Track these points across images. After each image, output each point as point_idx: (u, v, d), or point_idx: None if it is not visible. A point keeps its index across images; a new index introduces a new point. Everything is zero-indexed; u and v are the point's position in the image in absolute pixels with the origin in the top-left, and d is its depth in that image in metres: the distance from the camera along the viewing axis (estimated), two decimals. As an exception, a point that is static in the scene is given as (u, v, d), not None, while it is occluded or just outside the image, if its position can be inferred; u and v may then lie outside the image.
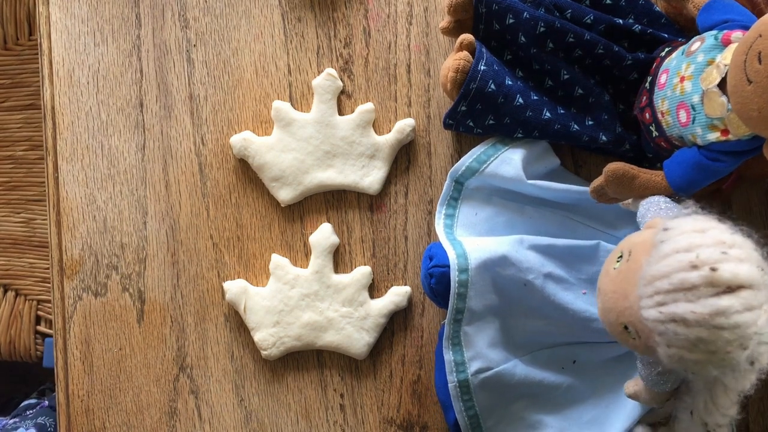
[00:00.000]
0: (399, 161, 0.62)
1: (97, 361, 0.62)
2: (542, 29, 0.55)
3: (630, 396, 0.52)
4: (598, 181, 0.52)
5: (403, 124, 0.61)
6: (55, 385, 0.63)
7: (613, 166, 0.50)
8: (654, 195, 0.51)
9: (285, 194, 0.61)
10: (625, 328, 0.44)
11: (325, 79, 0.61)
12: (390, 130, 0.61)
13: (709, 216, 0.43)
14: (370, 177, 0.61)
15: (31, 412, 0.85)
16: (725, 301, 0.38)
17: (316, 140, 0.60)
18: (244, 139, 0.61)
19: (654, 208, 0.49)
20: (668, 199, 0.50)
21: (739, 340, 0.38)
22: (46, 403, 0.88)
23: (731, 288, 0.38)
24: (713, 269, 0.38)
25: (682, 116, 0.49)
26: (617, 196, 0.52)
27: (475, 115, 0.57)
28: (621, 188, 0.51)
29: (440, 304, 0.56)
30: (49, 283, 0.64)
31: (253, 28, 0.63)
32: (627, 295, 0.43)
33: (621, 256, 0.45)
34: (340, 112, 0.62)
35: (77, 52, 0.63)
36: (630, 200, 0.52)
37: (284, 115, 0.61)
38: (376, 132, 0.61)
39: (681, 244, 0.40)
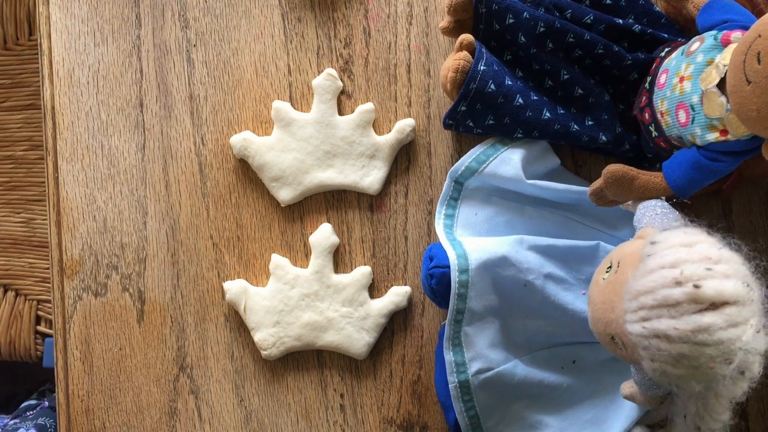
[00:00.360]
0: (399, 161, 0.62)
1: (97, 361, 0.62)
2: (542, 29, 0.55)
3: (626, 397, 0.52)
4: (597, 184, 0.52)
5: (403, 124, 0.61)
6: (55, 385, 0.63)
7: (612, 168, 0.50)
8: (654, 196, 0.51)
9: (285, 194, 0.61)
10: (612, 338, 0.44)
11: (325, 79, 0.61)
12: (390, 130, 0.61)
13: (698, 228, 0.43)
14: (370, 177, 0.61)
15: (31, 413, 0.86)
16: (708, 318, 0.38)
17: (316, 140, 0.60)
18: (244, 139, 0.61)
19: (650, 213, 0.49)
20: (665, 204, 0.50)
21: (723, 355, 0.38)
22: (47, 403, 0.88)
23: (715, 305, 0.38)
24: (697, 286, 0.38)
25: (682, 116, 0.49)
26: (617, 199, 0.52)
27: (474, 115, 0.57)
28: (620, 190, 0.51)
29: (441, 304, 0.56)
30: (49, 283, 0.64)
31: (253, 28, 0.63)
32: (614, 308, 0.43)
33: (610, 267, 0.45)
34: (340, 112, 0.62)
35: (77, 52, 0.63)
36: (630, 202, 0.52)
37: (284, 115, 0.61)
38: (375, 132, 0.61)
39: (666, 259, 0.40)
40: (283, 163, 0.60)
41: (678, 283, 0.39)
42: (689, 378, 0.40)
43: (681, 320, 0.38)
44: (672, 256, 0.40)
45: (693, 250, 0.40)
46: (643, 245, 0.43)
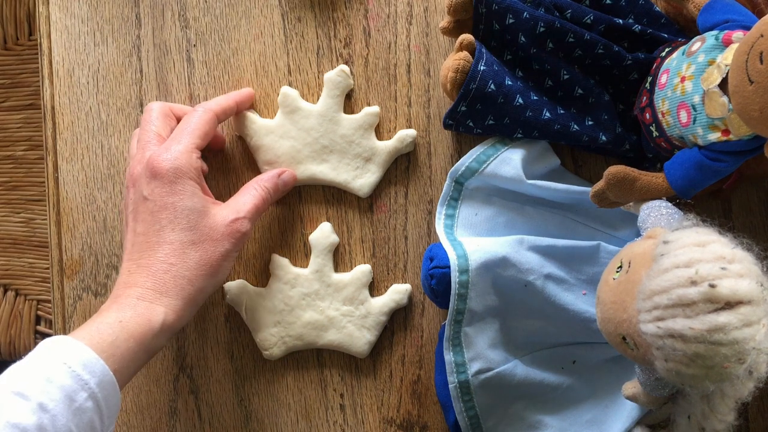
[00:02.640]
0: (399, 161, 0.62)
1: (97, 361, 0.62)
2: (542, 29, 0.55)
3: (628, 398, 0.52)
4: (598, 186, 0.52)
5: (405, 134, 0.60)
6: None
7: (614, 170, 0.50)
8: (656, 197, 0.51)
9: None
10: (624, 339, 0.44)
11: (337, 75, 0.60)
12: (390, 131, 0.61)
13: (710, 228, 0.43)
14: (362, 179, 0.61)
15: None
16: (723, 318, 0.38)
17: (317, 132, 0.60)
18: (247, 117, 0.61)
19: (655, 214, 0.49)
20: (669, 204, 0.50)
21: (737, 355, 0.38)
22: None
23: (730, 304, 0.38)
24: (712, 285, 0.38)
25: (683, 116, 0.49)
26: (618, 200, 0.52)
27: (474, 116, 0.57)
28: (622, 191, 0.51)
29: (441, 305, 0.56)
30: (49, 283, 0.64)
31: (253, 28, 0.63)
32: (626, 307, 0.43)
33: (621, 267, 0.45)
34: (340, 112, 0.62)
35: (77, 52, 0.63)
36: (632, 203, 0.52)
37: (291, 102, 0.60)
38: (375, 133, 0.61)
39: (681, 258, 0.40)
40: (280, 149, 0.60)
41: (693, 283, 0.39)
42: (702, 378, 0.40)
43: (696, 320, 0.38)
44: (686, 256, 0.40)
45: (707, 249, 0.40)
46: (655, 245, 0.43)
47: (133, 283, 0.51)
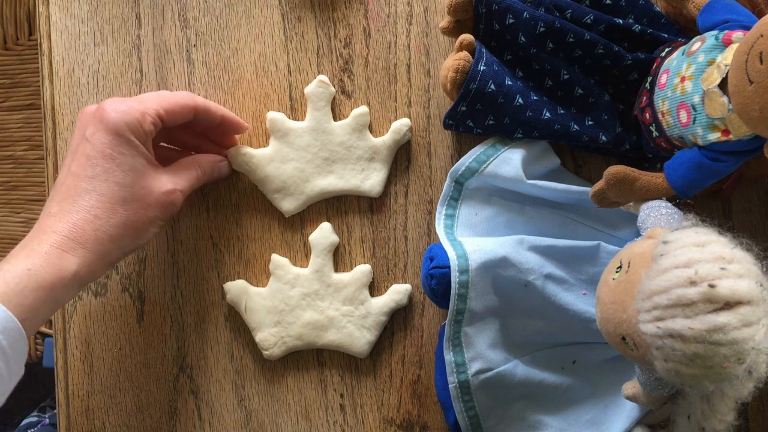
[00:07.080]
0: (399, 161, 0.62)
1: (97, 361, 0.62)
2: (542, 29, 0.55)
3: (628, 398, 0.52)
4: (598, 186, 0.52)
5: (399, 125, 0.60)
6: (55, 385, 0.63)
7: (614, 170, 0.50)
8: (655, 197, 0.51)
9: (288, 205, 0.61)
10: (623, 339, 0.44)
11: (318, 87, 0.61)
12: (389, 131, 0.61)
13: (709, 228, 0.43)
14: (371, 180, 0.61)
15: (32, 430, 0.85)
16: (723, 318, 0.38)
17: (314, 148, 0.60)
18: (243, 154, 0.60)
19: (655, 214, 0.49)
20: (669, 204, 0.50)
21: (737, 355, 0.38)
22: (47, 420, 0.88)
23: (729, 304, 0.38)
24: (712, 285, 0.38)
25: (683, 116, 0.49)
26: (618, 200, 0.52)
27: (474, 115, 0.57)
28: (622, 191, 0.51)
29: (441, 304, 0.56)
30: (49, 283, 0.64)
31: (253, 28, 0.63)
32: (625, 308, 0.43)
33: (620, 267, 0.45)
34: (340, 113, 0.62)
35: (77, 52, 0.63)
36: (632, 203, 0.52)
37: (280, 126, 0.61)
38: (375, 133, 0.61)
39: (680, 258, 0.40)
40: (284, 174, 0.60)
41: (692, 283, 0.39)
42: (702, 378, 0.40)
43: (696, 320, 0.38)
44: (685, 256, 0.40)
45: (706, 249, 0.40)
46: (655, 245, 0.43)
47: (51, 228, 0.49)
